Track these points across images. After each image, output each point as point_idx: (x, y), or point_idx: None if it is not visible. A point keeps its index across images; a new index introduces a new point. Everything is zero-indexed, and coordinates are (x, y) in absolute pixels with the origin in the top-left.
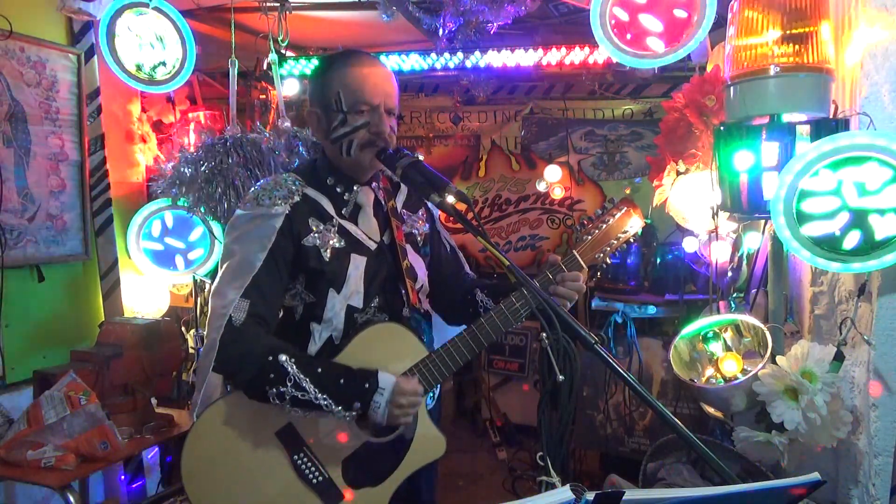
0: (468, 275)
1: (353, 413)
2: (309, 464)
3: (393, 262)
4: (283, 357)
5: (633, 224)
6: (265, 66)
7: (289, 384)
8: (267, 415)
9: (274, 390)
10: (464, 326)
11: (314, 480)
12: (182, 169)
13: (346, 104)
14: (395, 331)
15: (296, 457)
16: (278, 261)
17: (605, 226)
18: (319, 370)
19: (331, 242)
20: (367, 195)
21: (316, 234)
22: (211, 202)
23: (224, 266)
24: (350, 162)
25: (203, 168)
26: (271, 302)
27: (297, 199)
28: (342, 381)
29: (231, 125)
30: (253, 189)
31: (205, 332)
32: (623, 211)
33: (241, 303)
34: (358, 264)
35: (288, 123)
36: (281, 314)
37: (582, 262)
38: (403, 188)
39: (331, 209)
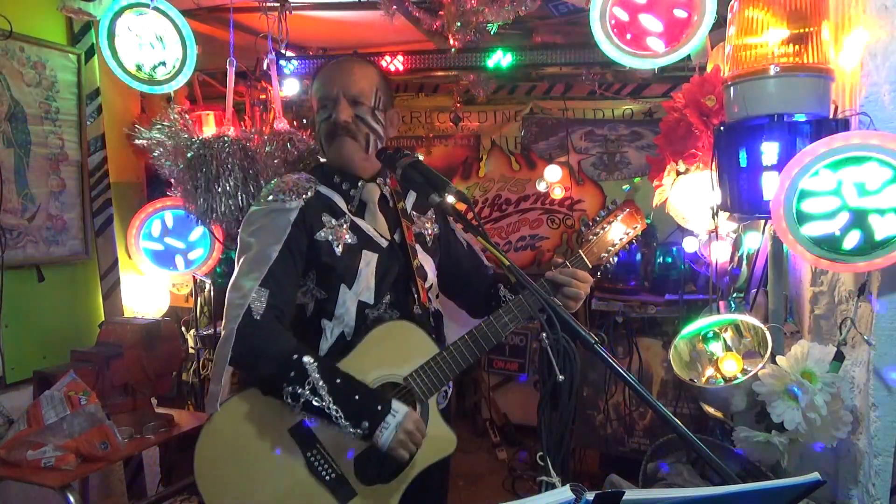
0: (489, 268)
1: (360, 431)
2: (322, 461)
3: (404, 260)
4: (307, 359)
5: (637, 225)
6: (265, 66)
7: (307, 387)
8: (280, 412)
9: (290, 388)
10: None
11: (327, 477)
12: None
13: (317, 105)
14: (406, 329)
15: (309, 454)
16: (294, 253)
17: (609, 226)
18: (338, 381)
19: (343, 238)
20: (373, 192)
21: (328, 229)
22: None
23: (241, 259)
24: (332, 156)
25: (193, 153)
26: (287, 293)
27: (310, 194)
28: (357, 397)
29: (225, 126)
30: (267, 186)
31: (221, 325)
32: (626, 212)
33: (259, 292)
34: (369, 260)
35: (284, 124)
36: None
37: (587, 262)
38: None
39: (343, 206)
